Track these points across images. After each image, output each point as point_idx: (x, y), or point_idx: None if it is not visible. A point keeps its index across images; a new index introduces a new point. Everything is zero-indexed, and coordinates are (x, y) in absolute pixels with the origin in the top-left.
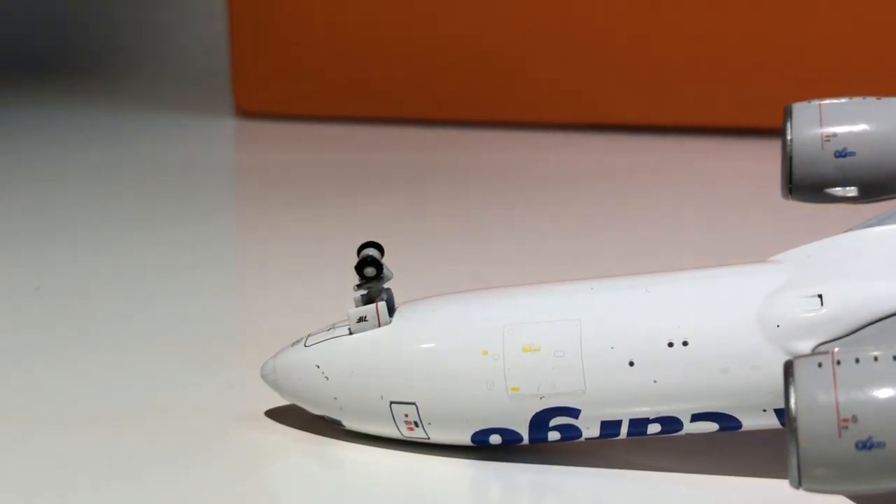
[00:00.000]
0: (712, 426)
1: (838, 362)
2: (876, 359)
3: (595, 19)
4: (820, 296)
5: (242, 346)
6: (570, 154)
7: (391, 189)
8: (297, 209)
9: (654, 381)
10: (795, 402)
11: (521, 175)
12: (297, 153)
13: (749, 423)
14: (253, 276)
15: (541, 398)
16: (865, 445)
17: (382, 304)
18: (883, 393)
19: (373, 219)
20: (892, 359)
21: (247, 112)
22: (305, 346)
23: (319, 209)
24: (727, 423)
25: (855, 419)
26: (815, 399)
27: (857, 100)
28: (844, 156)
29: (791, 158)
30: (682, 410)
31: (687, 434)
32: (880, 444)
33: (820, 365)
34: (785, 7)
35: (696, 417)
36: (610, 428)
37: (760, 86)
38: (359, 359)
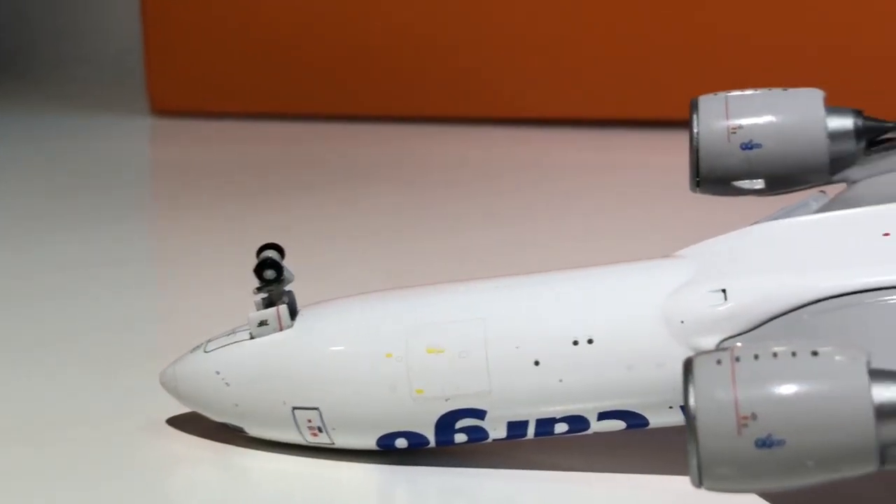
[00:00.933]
0: (619, 424)
1: (737, 359)
2: (775, 355)
3: (511, 13)
4: (724, 291)
5: (151, 350)
6: (485, 148)
7: (308, 186)
8: (214, 207)
9: (560, 381)
10: (694, 401)
11: (438, 170)
12: (214, 151)
13: (656, 420)
14: (166, 276)
15: (446, 400)
16: (765, 443)
17: (283, 308)
18: (782, 390)
19: (289, 216)
20: (790, 355)
21: (162, 110)
22: (205, 351)
23: (235, 208)
24: (634, 420)
25: (754, 417)
26: (713, 397)
27: (764, 91)
28: (751, 148)
29: (698, 151)
30: (588, 409)
31: (594, 433)
32: (780, 442)
33: (719, 362)
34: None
35: (602, 416)
36: (517, 429)
37: (675, 78)
38: (260, 364)
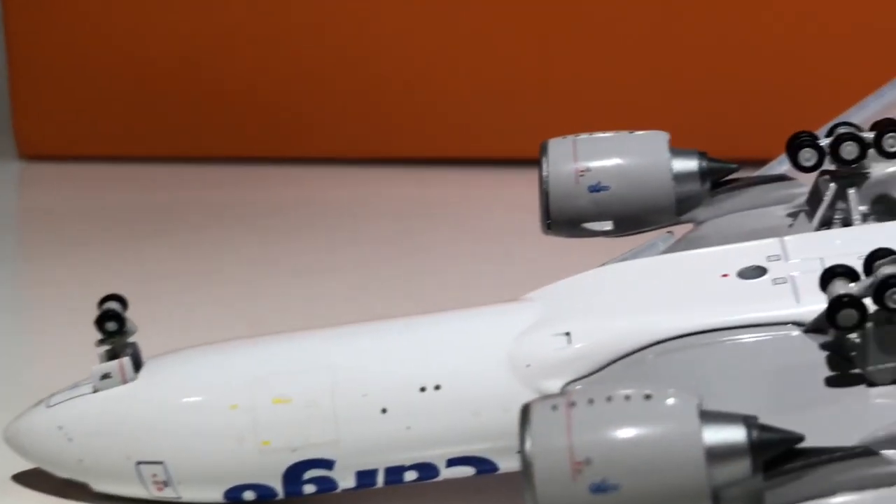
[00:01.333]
0: (469, 470)
1: (573, 404)
2: (609, 399)
3: (362, 52)
4: (568, 334)
5: (5, 401)
6: (350, 188)
7: (176, 230)
8: (81, 253)
9: (408, 428)
10: (530, 447)
11: (310, 212)
12: (84, 195)
13: (505, 465)
14: (26, 325)
15: (293, 451)
16: (600, 488)
17: (127, 360)
18: (615, 434)
19: (158, 261)
20: (624, 399)
21: (30, 155)
22: (48, 406)
23: (105, 253)
24: (483, 466)
25: (588, 462)
26: (549, 443)
27: (611, 134)
28: (598, 190)
29: (547, 194)
30: (437, 456)
31: (445, 479)
32: (615, 487)
33: (555, 407)
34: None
35: (451, 462)
36: (366, 478)
37: (530, 117)
38: (102, 418)
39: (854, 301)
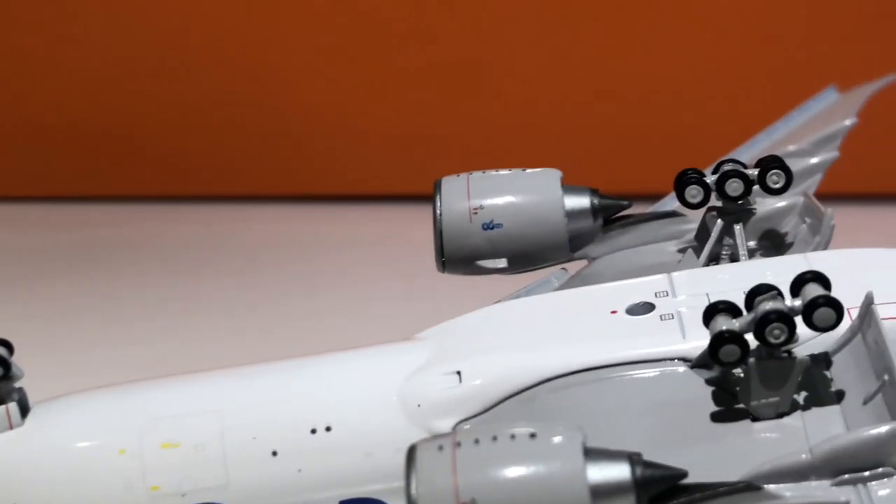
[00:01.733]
0: None
1: (458, 444)
2: (495, 438)
3: (273, 92)
4: (459, 372)
5: None
6: (248, 226)
7: (64, 271)
8: None
9: (299, 470)
10: (415, 488)
11: (207, 251)
12: None
13: None
14: None
15: (182, 495)
16: None
17: (13, 406)
18: (500, 474)
19: (44, 303)
20: (510, 438)
21: None
22: None
23: None
24: None
25: (474, 502)
26: (434, 484)
27: (504, 172)
28: (492, 228)
29: (441, 232)
30: (329, 498)
31: None
32: None
33: (440, 448)
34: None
35: None
36: None
37: (431, 155)
38: None
39: (735, 337)
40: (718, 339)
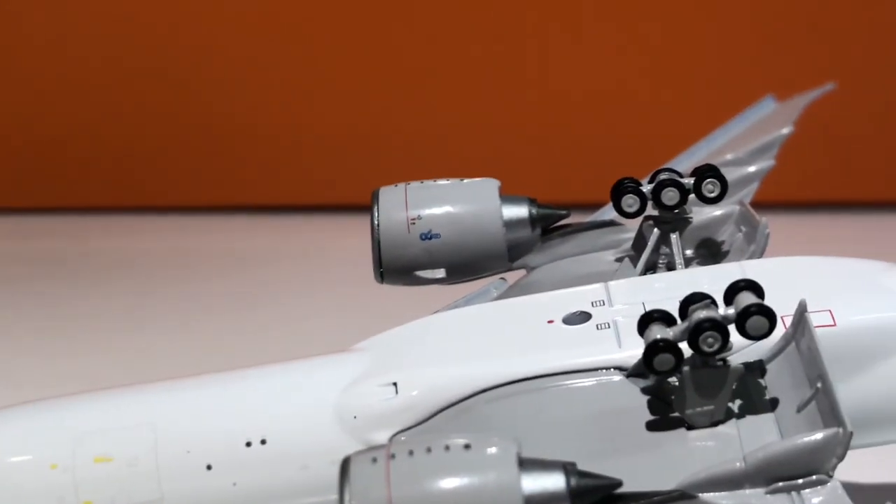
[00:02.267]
0: None
1: (392, 456)
2: (429, 450)
3: (211, 102)
4: (395, 383)
5: None
6: (186, 237)
7: (21, 280)
8: None
9: (234, 484)
10: (349, 501)
11: (148, 263)
12: None
13: None
14: None
15: None
16: None
17: None
18: (435, 486)
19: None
20: (444, 449)
21: None
22: None
23: None
24: None
25: None
26: (368, 496)
27: (442, 182)
28: (430, 238)
29: (379, 242)
30: None
31: None
32: None
33: (374, 460)
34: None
35: None
36: None
37: (369, 164)
38: None
39: (669, 345)
40: (653, 348)
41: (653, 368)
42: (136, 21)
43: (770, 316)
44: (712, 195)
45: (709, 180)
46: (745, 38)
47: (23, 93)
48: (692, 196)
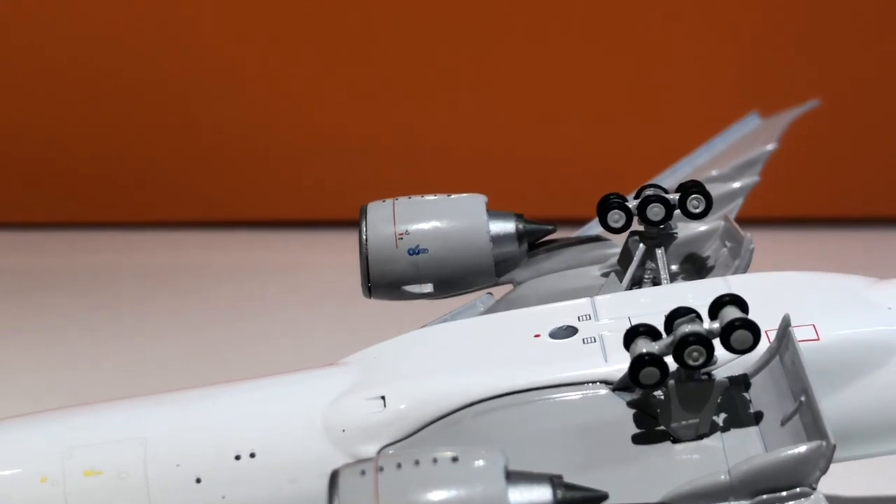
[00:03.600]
0: None
1: (381, 469)
2: (417, 463)
3: (202, 117)
4: (383, 397)
5: None
6: (178, 252)
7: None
8: None
9: (223, 497)
10: None
11: (140, 277)
12: None
13: None
14: None
15: None
16: None
17: None
18: (420, 498)
19: None
20: (432, 462)
21: None
22: None
23: None
24: None
25: None
26: None
27: (429, 197)
28: (417, 253)
29: (367, 257)
30: None
31: None
32: None
33: (363, 473)
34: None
35: None
36: None
37: (357, 180)
38: None
39: (655, 359)
40: (639, 362)
41: (639, 382)
42: (129, 35)
43: (754, 330)
44: (697, 211)
45: (693, 196)
46: (730, 54)
47: (15, 108)
48: (677, 212)
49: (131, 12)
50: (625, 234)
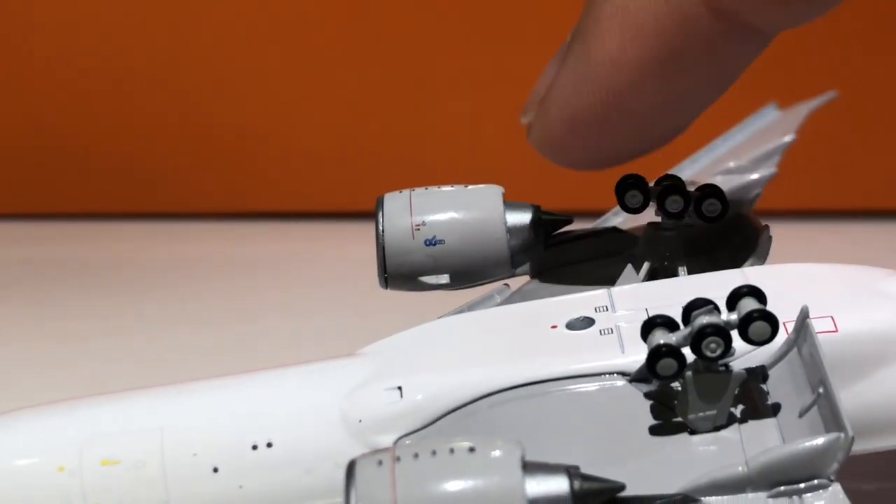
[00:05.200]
0: None
1: (398, 459)
2: (434, 453)
3: (214, 108)
4: (400, 388)
5: None
6: (189, 244)
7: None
8: None
9: (240, 487)
10: (355, 503)
11: (150, 269)
12: None
13: None
14: None
15: None
16: None
17: None
18: (439, 488)
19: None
20: (449, 452)
21: None
22: None
23: None
24: None
25: None
26: (374, 499)
27: (446, 188)
28: (434, 244)
29: (384, 248)
30: None
31: None
32: None
33: (380, 463)
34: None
35: None
36: None
37: (374, 171)
38: None
39: (672, 351)
40: (656, 354)
41: (656, 373)
42: (138, 26)
43: (772, 321)
44: (712, 215)
45: (710, 201)
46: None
47: (23, 99)
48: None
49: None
50: (643, 226)
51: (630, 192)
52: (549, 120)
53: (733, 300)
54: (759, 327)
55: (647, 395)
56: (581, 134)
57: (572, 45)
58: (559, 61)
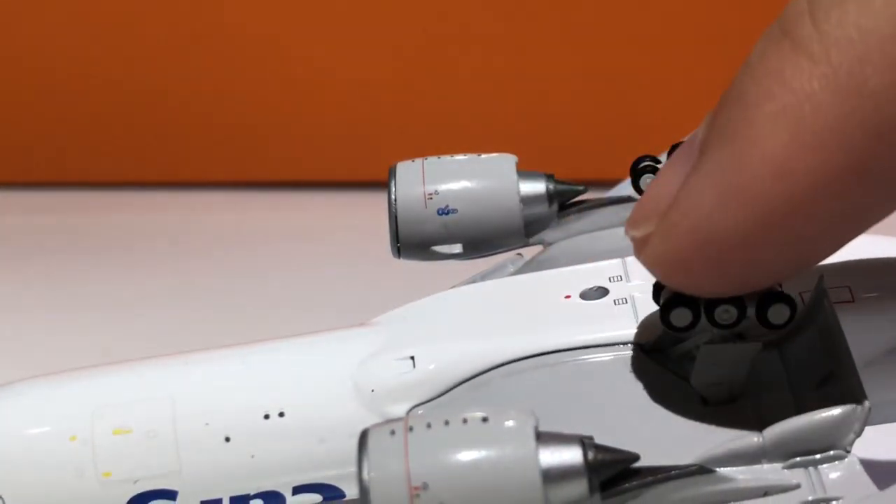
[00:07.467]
0: (315, 498)
1: (411, 429)
2: (447, 423)
3: (223, 79)
4: (413, 357)
5: None
6: (196, 213)
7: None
8: None
9: (252, 456)
10: (367, 472)
11: (158, 238)
12: None
13: (352, 491)
14: None
15: (134, 482)
16: None
17: None
18: (452, 458)
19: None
20: (462, 422)
21: None
22: None
23: None
24: (330, 493)
25: (426, 486)
26: (386, 469)
27: (459, 157)
28: (447, 213)
29: (396, 218)
30: (282, 484)
31: None
32: None
33: (393, 433)
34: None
35: (298, 490)
36: None
37: (386, 140)
38: None
39: (687, 299)
40: (671, 302)
41: (669, 324)
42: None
43: (790, 303)
44: None
45: None
46: (764, 16)
47: (26, 69)
48: None
49: None
50: None
51: (645, 176)
52: (676, 237)
53: None
54: (777, 310)
55: (662, 365)
56: (719, 257)
57: (709, 149)
58: (683, 164)
